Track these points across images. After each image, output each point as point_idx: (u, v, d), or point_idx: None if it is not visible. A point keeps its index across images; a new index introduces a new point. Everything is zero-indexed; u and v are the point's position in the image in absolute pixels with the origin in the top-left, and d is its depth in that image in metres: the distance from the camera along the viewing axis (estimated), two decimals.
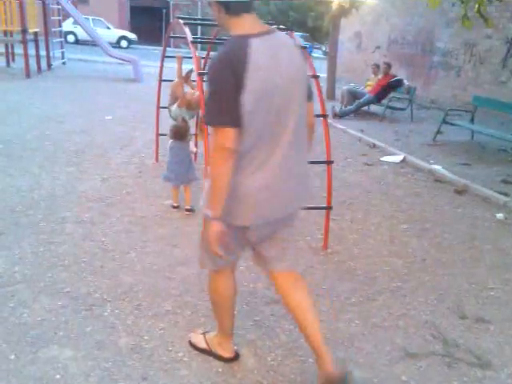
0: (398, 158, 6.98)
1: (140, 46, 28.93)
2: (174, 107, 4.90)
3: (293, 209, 2.27)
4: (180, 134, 4.46)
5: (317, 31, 40.41)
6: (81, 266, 3.48)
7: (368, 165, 6.74)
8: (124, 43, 27.83)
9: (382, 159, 7.06)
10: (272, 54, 1.95)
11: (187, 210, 4.61)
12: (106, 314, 2.94)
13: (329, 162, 3.89)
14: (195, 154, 4.51)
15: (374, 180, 6.07)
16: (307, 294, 2.39)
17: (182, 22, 4.18)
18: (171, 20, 36.67)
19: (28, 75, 12.30)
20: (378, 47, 15.68)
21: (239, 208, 2.08)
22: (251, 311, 3.09)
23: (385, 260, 3.93)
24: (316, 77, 3.98)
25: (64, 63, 15.85)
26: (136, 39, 28.90)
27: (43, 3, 14.19)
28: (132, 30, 30.86)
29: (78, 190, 4.96)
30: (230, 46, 1.95)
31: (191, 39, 3.83)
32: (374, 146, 7.81)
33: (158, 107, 5.92)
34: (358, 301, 3.30)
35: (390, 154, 7.29)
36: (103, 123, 8.09)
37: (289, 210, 2.23)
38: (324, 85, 13.99)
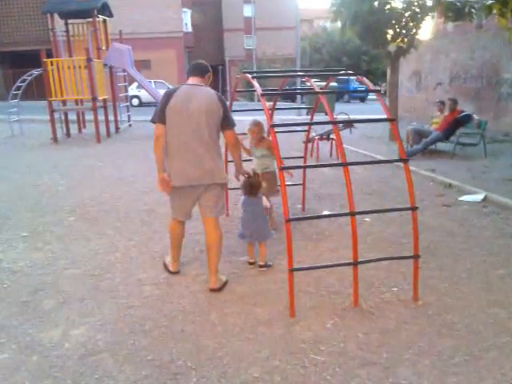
0: (478, 197, 6.57)
1: None
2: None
3: (197, 182, 3.89)
4: (252, 188, 4.36)
5: (371, 74, 40.57)
6: (161, 330, 3.38)
7: (446, 206, 6.38)
8: None
9: (460, 199, 6.67)
10: (184, 98, 3.79)
11: (261, 267, 4.45)
12: (191, 383, 2.79)
13: (413, 209, 3.64)
14: (269, 208, 4.38)
15: (456, 222, 5.70)
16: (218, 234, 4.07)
17: (249, 76, 4.17)
18: (227, 75, 38.09)
19: (98, 140, 12.89)
20: (440, 84, 15.35)
21: (171, 176, 3.93)
22: (345, 375, 2.84)
23: (485, 311, 3.57)
24: (392, 120, 3.82)
25: (130, 125, 16.56)
26: None
27: (111, 71, 15.04)
28: None
29: (151, 250, 4.95)
30: (173, 87, 3.98)
31: (261, 92, 3.79)
32: (450, 185, 7.42)
33: (226, 161, 5.91)
34: (463, 360, 2.97)
35: (468, 193, 6.89)
36: None
37: (194, 182, 3.89)
38: (385, 126, 13.74)
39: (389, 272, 4.26)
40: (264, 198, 4.41)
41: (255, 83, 4.02)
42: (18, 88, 14.49)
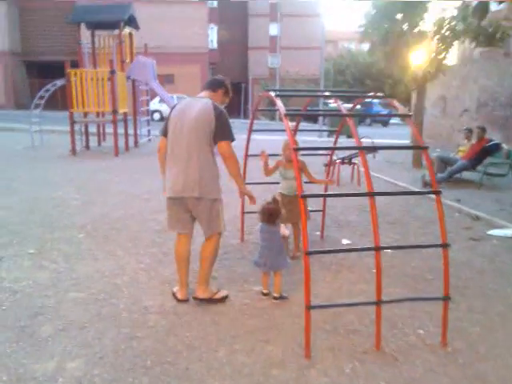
0: (508, 232, 6.20)
1: None
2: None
3: (180, 194, 3.83)
4: (271, 216, 4.09)
5: (394, 98, 40.25)
6: (164, 367, 3.10)
7: (474, 240, 6.02)
8: None
9: (489, 233, 6.31)
10: (182, 109, 3.84)
11: (275, 298, 4.17)
12: None
13: (445, 245, 3.35)
14: (286, 237, 4.12)
15: (486, 258, 5.35)
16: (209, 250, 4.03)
17: (273, 94, 3.93)
18: (250, 93, 38.14)
19: (117, 154, 12.80)
20: (466, 111, 14.98)
21: (166, 186, 3.97)
22: None
23: None
24: (425, 148, 3.55)
25: (150, 140, 16.49)
26: None
27: (133, 85, 15.02)
28: None
29: (161, 274, 4.69)
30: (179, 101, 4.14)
31: (284, 112, 3.54)
32: (477, 217, 7.05)
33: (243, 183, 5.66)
34: None
35: (497, 227, 6.52)
36: None
37: (179, 194, 3.84)
38: (408, 152, 13.42)
39: (413, 311, 3.93)
40: (283, 226, 4.14)
41: (278, 102, 3.78)
42: (41, 98, 14.54)
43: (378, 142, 12.84)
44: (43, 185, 8.86)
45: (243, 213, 5.74)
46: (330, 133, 18.16)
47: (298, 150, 3.38)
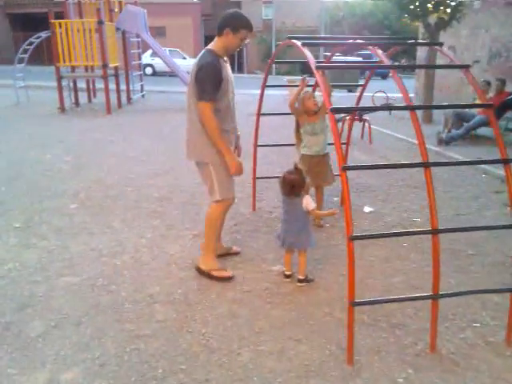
0: None
1: None
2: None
3: (187, 158, 3.62)
4: (292, 187, 3.48)
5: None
6: (179, 377, 2.57)
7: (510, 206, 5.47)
8: None
9: None
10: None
11: (300, 281, 3.61)
12: None
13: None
14: (312, 212, 3.52)
15: None
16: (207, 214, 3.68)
17: (298, 43, 3.24)
18: (244, 47, 36.70)
19: (109, 111, 12.01)
20: (477, 61, 14.17)
21: None
22: None
23: None
24: (467, 66, 2.93)
25: (143, 96, 15.62)
26: None
27: (123, 37, 14.05)
28: None
29: (166, 252, 4.12)
30: None
31: (315, 65, 2.88)
32: None
33: (256, 145, 5.03)
34: None
35: None
36: (187, 162, 7.33)
37: (188, 158, 3.61)
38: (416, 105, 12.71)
39: (460, 297, 3.39)
40: (308, 198, 3.54)
41: (307, 52, 3.11)
42: (25, 51, 13.56)
43: (389, 95, 12.10)
44: (30, 146, 8.15)
45: (255, 178, 5.14)
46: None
47: (336, 111, 2.75)
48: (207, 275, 3.66)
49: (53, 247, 4.18)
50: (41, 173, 6.50)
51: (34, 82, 16.13)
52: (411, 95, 17.42)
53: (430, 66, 4.06)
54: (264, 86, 4.72)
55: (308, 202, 3.52)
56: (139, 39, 14.44)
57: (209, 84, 3.23)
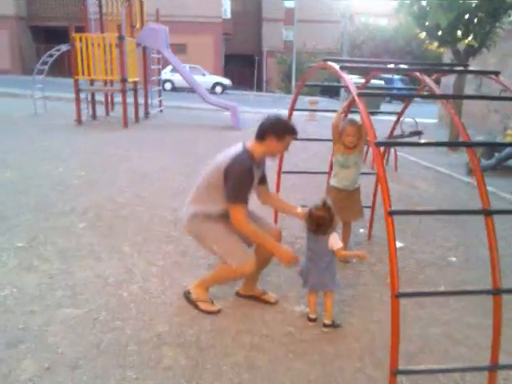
0: None
1: (236, 92, 28.88)
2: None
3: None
4: (318, 226, 3.12)
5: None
6: None
7: None
8: (219, 89, 27.80)
9: None
10: None
11: (325, 326, 3.22)
12: None
13: None
14: (338, 252, 3.14)
15: None
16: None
17: (336, 66, 2.89)
18: (264, 66, 36.69)
19: (126, 124, 11.79)
20: (505, 91, 13.78)
21: None
22: None
23: None
24: None
25: (161, 111, 15.43)
26: (230, 85, 28.84)
27: (144, 52, 13.92)
28: (225, 76, 30.97)
29: (178, 283, 3.74)
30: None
31: (357, 92, 2.52)
32: None
33: (280, 172, 4.68)
34: None
35: None
36: None
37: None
38: (442, 132, 12.32)
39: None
40: (334, 236, 3.16)
41: (346, 76, 2.76)
42: (45, 63, 13.46)
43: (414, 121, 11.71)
44: (43, 158, 7.88)
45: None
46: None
47: (382, 144, 2.40)
48: (194, 305, 3.39)
49: (55, 271, 3.83)
50: (51, 187, 6.20)
51: (55, 93, 16.03)
52: (434, 121, 17.02)
53: (484, 98, 3.67)
54: (292, 109, 4.38)
55: (334, 240, 3.15)
56: (160, 55, 14.29)
57: (242, 190, 3.12)
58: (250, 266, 3.14)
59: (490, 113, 14.10)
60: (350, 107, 4.30)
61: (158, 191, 6.31)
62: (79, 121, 11.93)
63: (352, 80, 2.76)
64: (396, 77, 29.41)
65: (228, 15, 37.16)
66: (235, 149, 3.16)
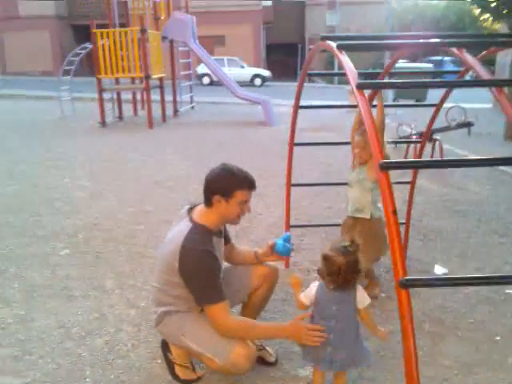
0: None
1: (276, 83, 27.83)
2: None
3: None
4: (339, 276, 2.13)
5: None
6: None
7: None
8: (258, 81, 26.89)
9: None
10: None
11: None
12: None
13: None
14: (365, 311, 2.29)
15: None
16: None
17: (334, 45, 2.05)
18: (307, 54, 35.33)
19: (151, 126, 11.19)
20: None
21: None
22: None
23: None
24: None
25: (193, 108, 14.77)
26: (270, 76, 27.84)
27: (171, 46, 13.27)
28: (267, 67, 30.03)
29: (154, 336, 2.97)
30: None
31: (357, 82, 1.68)
32: None
33: (289, 184, 3.84)
34: None
35: None
36: None
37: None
38: (498, 119, 10.98)
39: None
40: (361, 290, 2.27)
41: (345, 59, 1.91)
42: (71, 63, 13.06)
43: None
44: (52, 168, 7.35)
45: (288, 223, 3.93)
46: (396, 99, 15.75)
47: (390, 168, 1.55)
48: (169, 366, 2.60)
49: (10, 320, 3.16)
50: (48, 203, 5.59)
51: (87, 94, 15.67)
52: (488, 106, 15.52)
53: None
54: (296, 107, 3.52)
55: (363, 294, 2.25)
56: (188, 48, 13.60)
57: (212, 285, 2.30)
58: (237, 356, 2.28)
59: None
60: (371, 101, 3.38)
61: (165, 205, 5.58)
62: (103, 123, 11.43)
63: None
64: (447, 58, 27.55)
65: (268, 2, 36.14)
66: (183, 228, 2.38)
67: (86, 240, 4.52)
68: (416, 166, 2.68)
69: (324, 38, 2.39)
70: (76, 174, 6.94)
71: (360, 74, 3.12)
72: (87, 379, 2.59)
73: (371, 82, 2.35)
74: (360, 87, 1.78)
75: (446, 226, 4.89)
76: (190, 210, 2.54)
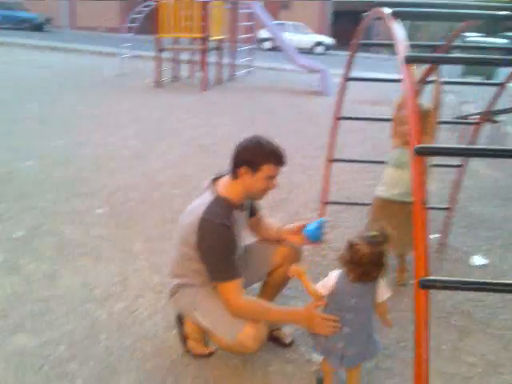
0: None
1: (340, 52, 26.82)
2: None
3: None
4: (371, 269, 1.98)
5: None
6: None
7: None
8: (319, 49, 26.08)
9: None
10: None
11: None
12: None
13: None
14: (383, 306, 2.13)
15: None
16: None
17: (387, 12, 1.82)
18: (375, 23, 34.01)
19: (204, 88, 11.08)
20: None
21: None
22: None
23: None
24: None
25: (249, 72, 14.53)
26: (334, 44, 26.91)
27: (233, 8, 12.99)
28: (333, 35, 29.02)
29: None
30: None
31: (406, 54, 1.47)
32: None
33: (331, 160, 3.63)
34: None
35: None
36: None
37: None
38: None
39: None
40: (383, 284, 2.10)
41: (396, 27, 1.70)
42: (134, 21, 13.07)
43: None
44: (102, 125, 7.43)
45: (324, 202, 3.75)
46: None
47: (424, 154, 1.36)
48: (182, 339, 2.57)
49: (37, 276, 3.19)
50: (92, 160, 5.65)
51: (147, 52, 15.66)
52: None
53: None
54: (345, 79, 3.29)
55: (385, 288, 2.08)
56: (251, 10, 13.28)
57: (227, 261, 2.21)
58: (245, 336, 2.18)
59: None
60: (427, 77, 3.08)
61: (206, 169, 5.48)
62: (158, 83, 11.42)
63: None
64: None
65: None
66: (205, 199, 2.28)
67: (122, 201, 4.52)
68: (455, 154, 2.41)
69: (380, 4, 2.14)
70: (124, 133, 6.97)
71: (414, 46, 2.84)
72: (101, 344, 2.58)
73: (421, 56, 2.09)
74: (408, 60, 1.57)
75: (494, 214, 4.57)
76: (215, 180, 2.41)
